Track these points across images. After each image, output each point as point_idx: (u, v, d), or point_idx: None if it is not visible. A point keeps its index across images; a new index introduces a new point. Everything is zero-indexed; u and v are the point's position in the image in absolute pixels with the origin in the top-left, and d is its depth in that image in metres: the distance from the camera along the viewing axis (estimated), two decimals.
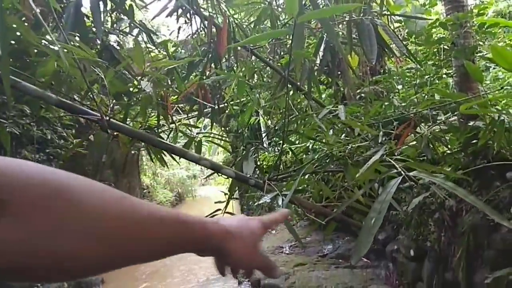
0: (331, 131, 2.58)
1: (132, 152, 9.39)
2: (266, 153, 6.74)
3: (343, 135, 3.02)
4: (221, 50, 2.81)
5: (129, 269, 6.41)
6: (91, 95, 2.01)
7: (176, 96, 2.97)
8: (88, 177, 0.44)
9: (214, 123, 5.19)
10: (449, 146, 3.17)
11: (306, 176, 2.26)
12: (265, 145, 7.42)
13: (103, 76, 1.81)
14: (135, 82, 2.41)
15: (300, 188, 2.24)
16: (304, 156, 4.45)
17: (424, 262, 3.73)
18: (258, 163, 2.45)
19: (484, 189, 3.19)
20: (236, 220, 0.62)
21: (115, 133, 2.24)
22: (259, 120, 6.99)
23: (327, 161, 2.28)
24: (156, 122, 2.89)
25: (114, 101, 2.13)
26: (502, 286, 2.51)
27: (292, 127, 2.66)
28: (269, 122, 5.83)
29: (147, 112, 2.35)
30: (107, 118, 1.92)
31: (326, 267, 5.20)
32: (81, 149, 6.33)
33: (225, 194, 2.36)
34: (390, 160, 1.57)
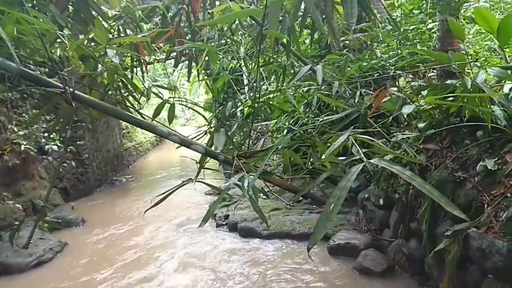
0: (302, 107, 2.54)
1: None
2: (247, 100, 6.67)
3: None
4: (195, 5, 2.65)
5: (110, 211, 6.40)
6: (51, 65, 1.91)
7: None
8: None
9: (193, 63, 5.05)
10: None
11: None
12: (245, 93, 7.31)
13: (67, 44, 1.70)
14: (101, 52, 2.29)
15: (268, 170, 2.26)
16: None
17: (391, 211, 3.94)
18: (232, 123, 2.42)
19: (455, 145, 3.30)
20: None
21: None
22: (240, 64, 6.82)
23: (296, 139, 2.28)
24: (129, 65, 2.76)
25: (80, 63, 2.03)
26: (460, 239, 2.70)
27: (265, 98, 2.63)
28: (250, 67, 5.70)
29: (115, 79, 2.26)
30: (71, 90, 1.85)
31: (300, 212, 5.44)
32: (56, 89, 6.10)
33: (197, 162, 2.37)
34: (353, 142, 1.59)
